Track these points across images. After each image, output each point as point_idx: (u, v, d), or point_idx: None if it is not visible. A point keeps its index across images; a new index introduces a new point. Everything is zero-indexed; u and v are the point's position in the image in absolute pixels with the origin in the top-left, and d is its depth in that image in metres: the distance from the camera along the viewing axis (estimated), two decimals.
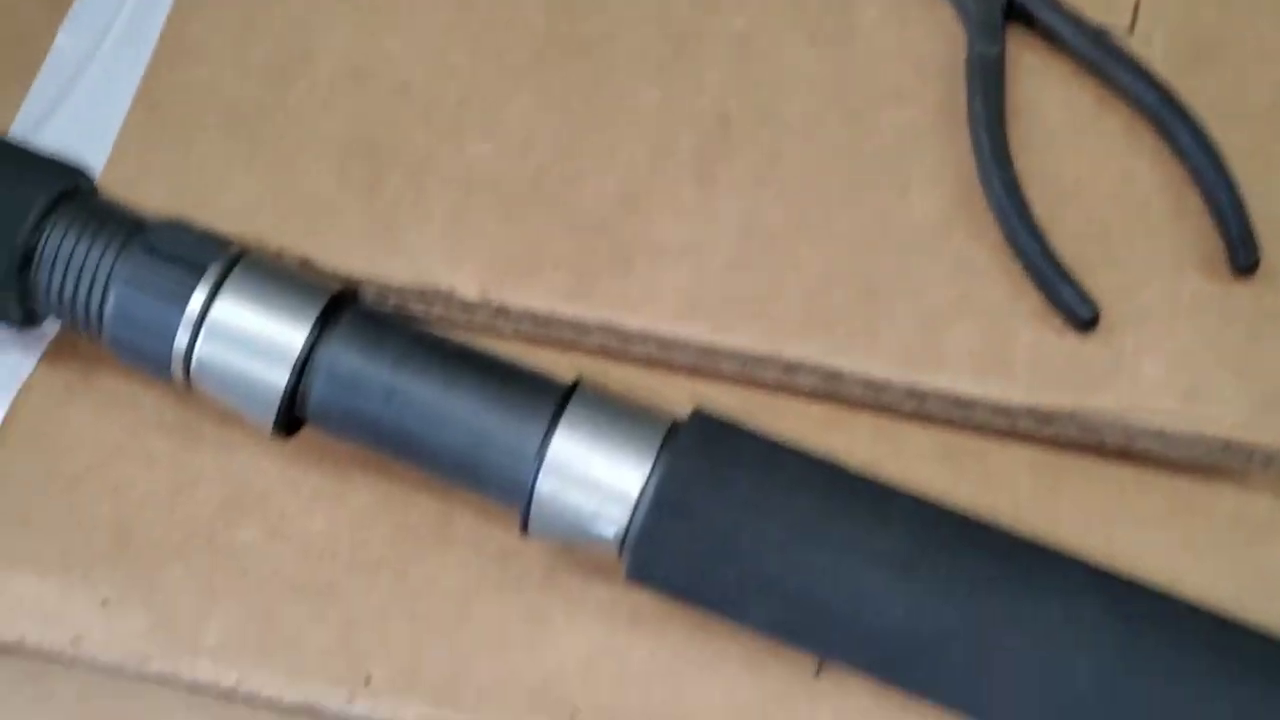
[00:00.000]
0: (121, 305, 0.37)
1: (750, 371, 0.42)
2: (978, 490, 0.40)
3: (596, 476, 0.36)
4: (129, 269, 0.37)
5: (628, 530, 0.36)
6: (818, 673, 0.39)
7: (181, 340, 0.37)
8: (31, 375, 0.42)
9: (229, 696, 0.38)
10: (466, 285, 0.41)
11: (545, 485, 0.36)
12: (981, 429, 0.42)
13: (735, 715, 0.38)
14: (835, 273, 0.42)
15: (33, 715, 0.39)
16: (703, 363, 0.42)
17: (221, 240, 0.38)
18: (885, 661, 0.36)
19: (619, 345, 0.42)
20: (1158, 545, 0.40)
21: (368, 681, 0.38)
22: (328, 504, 0.40)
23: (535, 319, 0.41)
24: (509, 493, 0.37)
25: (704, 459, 0.36)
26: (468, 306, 0.42)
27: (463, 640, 0.39)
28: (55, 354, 0.42)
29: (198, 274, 0.37)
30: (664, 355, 0.42)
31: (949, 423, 0.42)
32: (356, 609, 0.39)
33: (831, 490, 0.37)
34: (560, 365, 0.39)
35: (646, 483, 0.36)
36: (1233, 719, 0.34)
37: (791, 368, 0.41)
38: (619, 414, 0.37)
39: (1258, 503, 0.41)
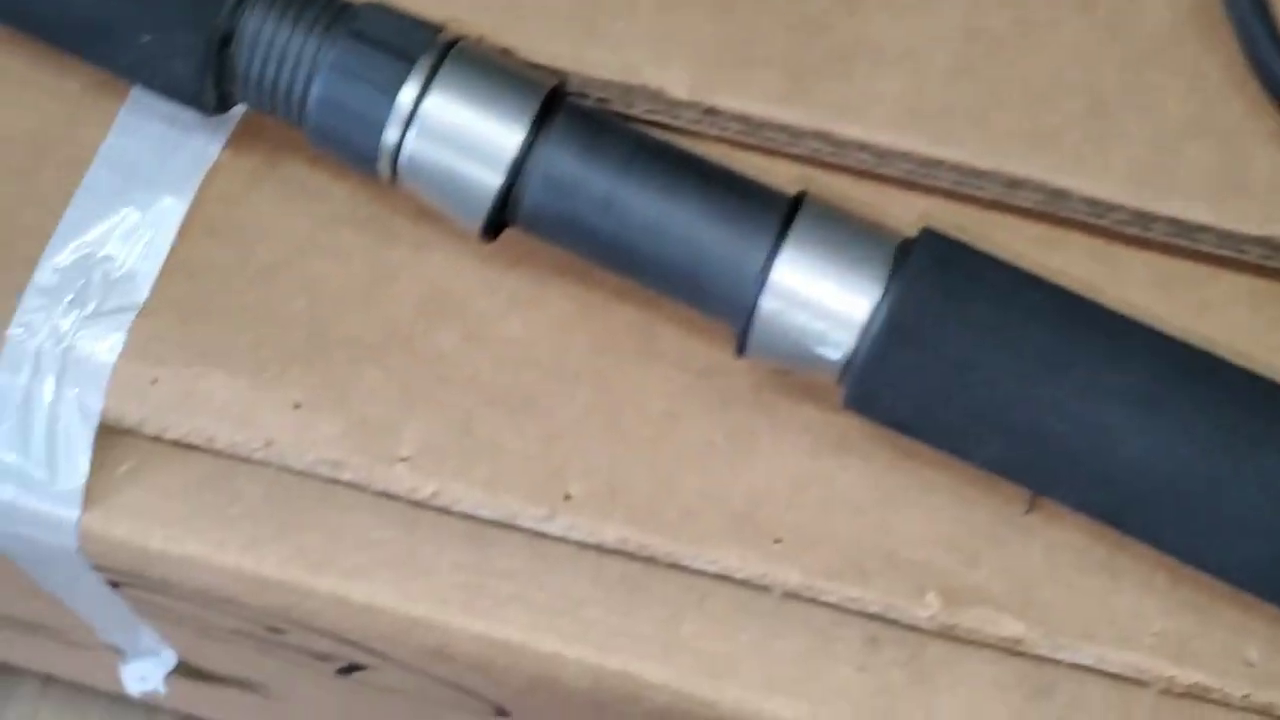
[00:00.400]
0: (329, 93, 0.35)
1: (968, 186, 0.39)
2: (1194, 319, 0.38)
3: (823, 298, 0.34)
4: (336, 54, 0.35)
5: (853, 356, 0.34)
6: (1028, 510, 0.37)
7: (391, 135, 0.35)
8: (216, 161, 0.40)
9: (423, 506, 0.37)
10: (675, 83, 0.39)
11: (768, 305, 0.35)
12: (1205, 256, 0.39)
13: (942, 547, 0.37)
14: (1062, 84, 0.40)
15: (217, 515, 0.38)
16: (918, 175, 0.40)
17: (431, 26, 0.36)
18: (1112, 501, 0.35)
19: (832, 153, 0.39)
20: None
21: (567, 498, 0.37)
22: (526, 310, 0.39)
23: (747, 122, 0.39)
24: (728, 310, 0.35)
25: (938, 284, 0.34)
26: (674, 105, 0.39)
27: (664, 459, 0.37)
28: (239, 140, 0.40)
29: (409, 64, 0.35)
30: (879, 166, 0.39)
31: (1170, 248, 0.40)
32: (556, 422, 0.38)
33: (1071, 321, 0.35)
34: (769, 172, 0.37)
35: (877, 306, 0.34)
36: None
37: (1014, 184, 0.39)
38: (846, 231, 0.35)
39: None
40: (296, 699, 0.58)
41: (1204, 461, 0.33)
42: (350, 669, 0.47)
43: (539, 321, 0.39)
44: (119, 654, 0.55)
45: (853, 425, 0.37)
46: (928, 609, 0.36)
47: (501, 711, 0.47)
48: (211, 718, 0.70)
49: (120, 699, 0.63)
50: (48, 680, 0.79)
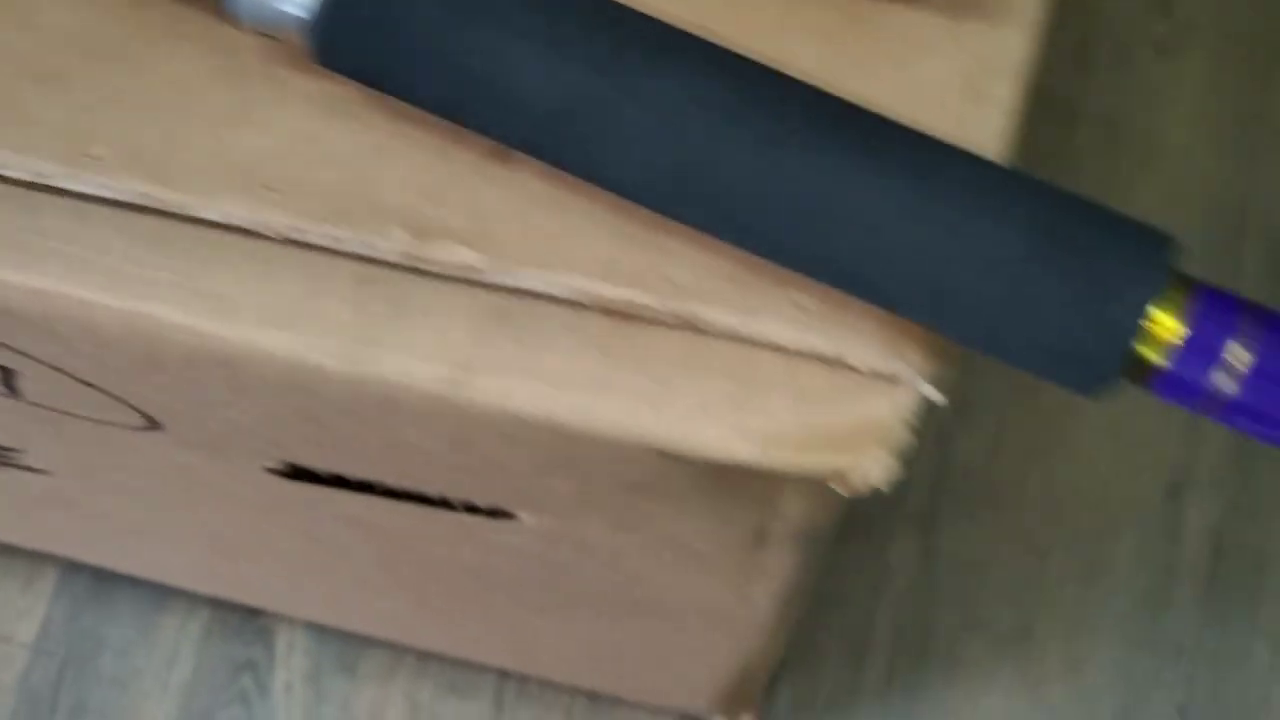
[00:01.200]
0: None
1: None
2: None
3: None
4: None
5: (316, 14, 0.39)
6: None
7: None
8: None
9: None
10: None
11: None
12: None
13: (416, 192, 0.41)
14: None
15: None
16: None
17: None
18: (531, 135, 0.39)
19: None
20: (824, 60, 0.42)
21: (95, 158, 0.42)
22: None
23: None
24: None
25: None
26: None
27: (181, 125, 0.42)
28: None
29: None
30: None
31: None
32: (89, 96, 0.42)
33: None
34: None
35: None
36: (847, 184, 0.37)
37: None
38: None
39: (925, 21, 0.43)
40: None
41: (596, 91, 0.38)
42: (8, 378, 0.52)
43: (84, 8, 0.43)
44: None
45: (350, 93, 0.42)
46: (396, 243, 0.41)
47: (154, 423, 0.52)
48: None
49: None
50: None
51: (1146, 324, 0.36)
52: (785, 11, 0.43)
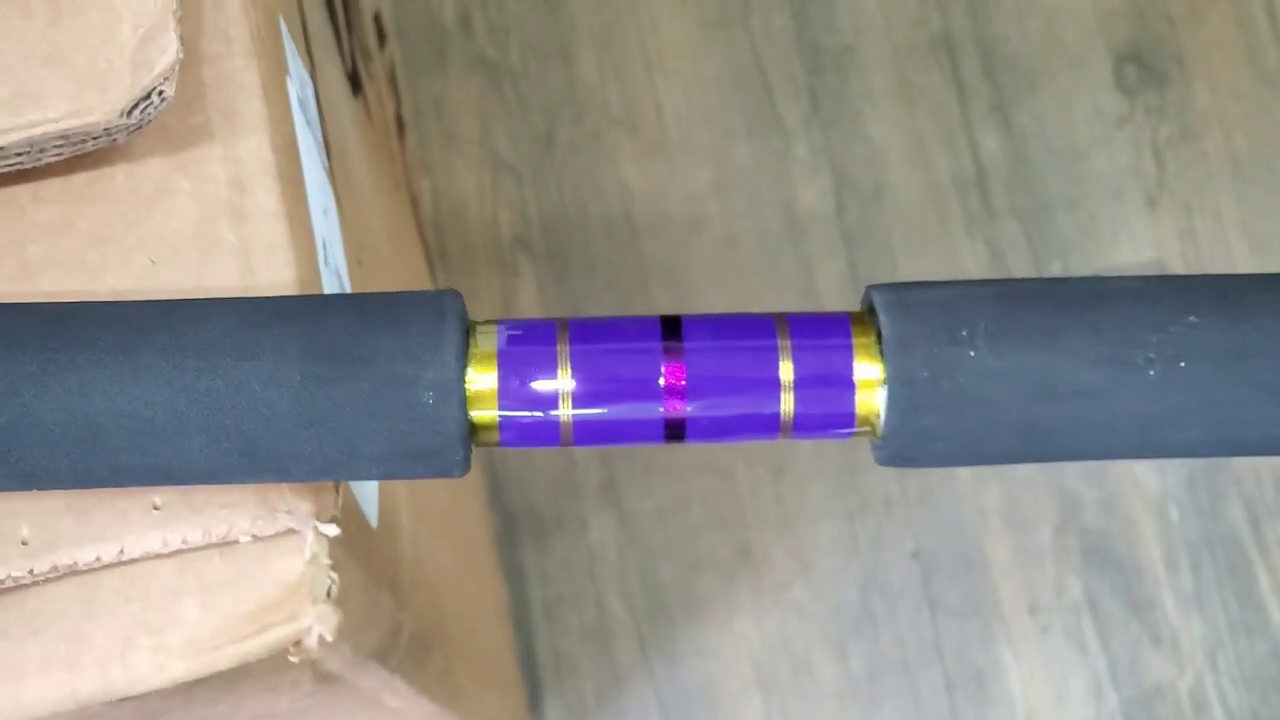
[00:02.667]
0: None
1: None
2: None
3: None
4: None
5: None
6: None
7: None
8: None
9: None
10: None
11: None
12: None
13: None
14: None
15: None
16: None
17: None
18: None
19: None
20: (75, 252, 0.39)
21: None
22: None
23: None
24: None
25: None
26: None
27: None
28: None
29: None
30: None
31: None
32: None
33: None
34: None
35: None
36: None
37: None
38: None
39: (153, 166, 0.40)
40: None
41: None
42: None
43: None
44: None
45: None
46: None
47: None
48: None
49: None
50: None
51: (464, 389, 0.34)
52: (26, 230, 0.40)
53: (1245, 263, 1.02)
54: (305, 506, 0.38)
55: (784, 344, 0.36)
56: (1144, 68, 1.05)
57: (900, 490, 0.98)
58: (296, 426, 0.35)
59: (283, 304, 0.36)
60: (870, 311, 0.37)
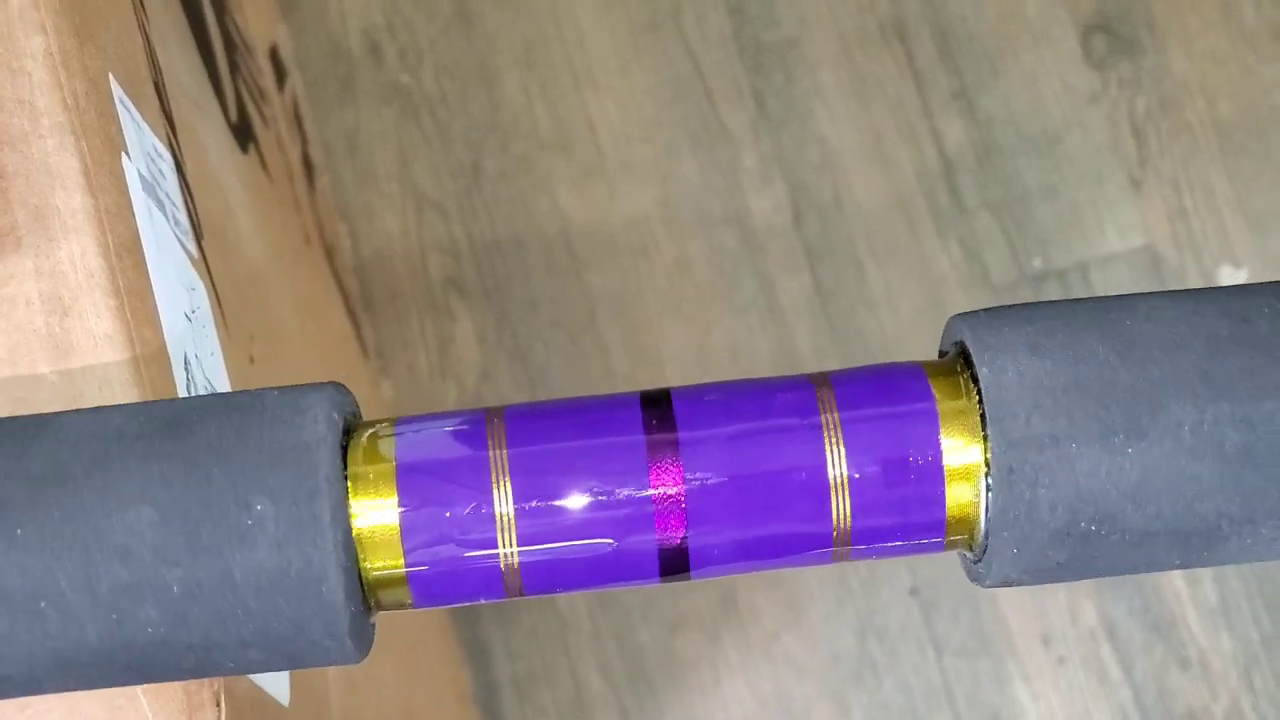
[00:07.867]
0: None
1: None
2: None
3: None
4: None
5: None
6: None
7: None
8: None
9: None
10: None
11: None
12: None
13: None
14: None
15: None
16: None
17: None
18: None
19: None
20: None
21: None
22: None
23: None
24: None
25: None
26: None
27: None
28: None
29: None
30: None
31: None
32: None
33: None
34: None
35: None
36: None
37: None
38: None
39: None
40: None
41: None
42: None
43: None
44: None
45: None
46: None
47: None
48: None
49: None
50: None
51: (346, 534, 0.25)
52: None
53: (1244, 243, 0.94)
54: (222, 712, 0.29)
55: (830, 419, 0.26)
56: (1113, 36, 0.97)
57: None
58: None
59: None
60: (961, 357, 0.27)
